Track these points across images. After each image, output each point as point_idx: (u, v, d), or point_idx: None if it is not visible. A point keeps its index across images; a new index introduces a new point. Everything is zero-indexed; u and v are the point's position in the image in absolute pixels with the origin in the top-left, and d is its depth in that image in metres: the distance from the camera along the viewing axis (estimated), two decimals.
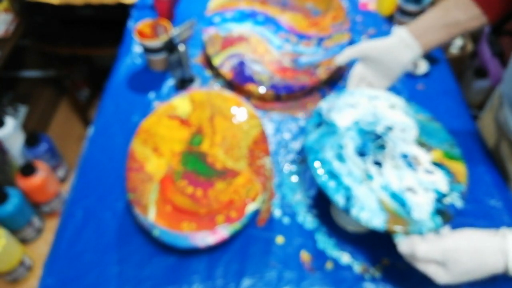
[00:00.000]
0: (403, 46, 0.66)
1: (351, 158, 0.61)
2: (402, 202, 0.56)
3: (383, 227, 0.53)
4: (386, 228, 0.53)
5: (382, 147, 0.63)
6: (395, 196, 0.57)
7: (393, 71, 0.68)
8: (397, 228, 0.53)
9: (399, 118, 0.67)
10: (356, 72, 0.71)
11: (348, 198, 0.56)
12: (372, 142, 0.64)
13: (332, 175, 0.58)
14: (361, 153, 0.62)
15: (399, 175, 0.60)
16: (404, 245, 0.52)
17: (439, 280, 0.50)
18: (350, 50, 0.69)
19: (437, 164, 0.61)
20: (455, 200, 0.57)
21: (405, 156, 0.62)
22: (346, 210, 0.55)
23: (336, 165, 0.59)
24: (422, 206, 0.55)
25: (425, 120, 0.67)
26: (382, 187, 0.58)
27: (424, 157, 0.62)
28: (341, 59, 0.70)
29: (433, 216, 0.54)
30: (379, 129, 0.65)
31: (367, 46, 0.68)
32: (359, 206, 0.55)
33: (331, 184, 0.57)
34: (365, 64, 0.70)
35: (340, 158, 0.60)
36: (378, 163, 0.61)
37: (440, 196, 0.57)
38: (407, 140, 0.64)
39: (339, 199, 0.56)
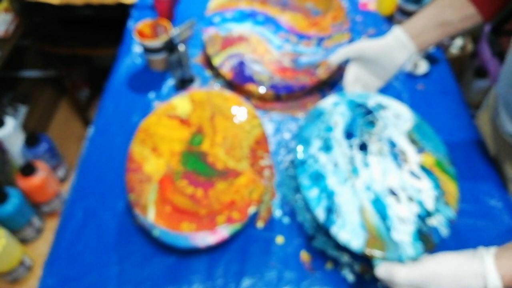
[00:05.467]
0: (399, 46, 0.65)
1: (339, 142, 0.60)
2: (383, 213, 0.55)
3: (361, 250, 0.53)
4: (364, 251, 0.53)
5: (371, 124, 0.62)
6: (377, 202, 0.56)
7: (387, 71, 0.68)
8: (376, 253, 0.52)
9: (396, 105, 0.65)
10: (351, 73, 0.70)
11: (330, 210, 0.55)
12: (362, 117, 0.62)
13: (317, 176, 0.57)
14: (349, 133, 0.61)
15: (384, 167, 0.59)
16: (382, 270, 0.51)
17: None
18: (345, 50, 0.69)
19: (426, 170, 0.59)
20: (440, 225, 0.55)
21: (392, 145, 0.61)
22: (326, 228, 0.54)
23: (323, 160, 0.58)
24: (403, 223, 0.54)
25: (425, 123, 0.65)
26: (366, 187, 0.57)
27: (413, 157, 0.60)
28: (335, 58, 0.70)
29: (415, 240, 0.53)
30: (371, 103, 0.64)
31: (362, 45, 0.68)
32: (340, 222, 0.54)
33: (314, 193, 0.56)
34: (359, 64, 0.69)
35: (327, 147, 0.60)
36: (364, 146, 0.60)
37: (424, 214, 0.55)
38: (399, 128, 0.62)
39: (319, 212, 0.55)
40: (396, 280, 0.49)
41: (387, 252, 0.52)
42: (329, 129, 0.61)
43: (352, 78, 0.70)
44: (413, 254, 0.52)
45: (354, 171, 0.58)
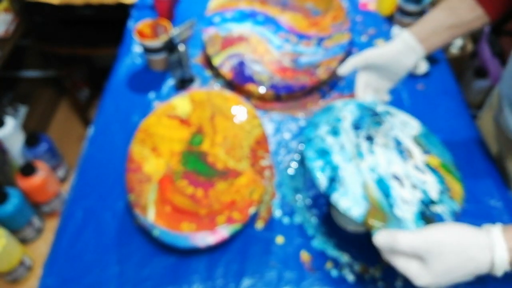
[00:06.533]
0: (407, 51, 0.65)
1: (346, 131, 0.60)
2: (386, 192, 0.54)
3: (361, 219, 0.50)
4: (364, 220, 0.50)
5: (378, 123, 0.63)
6: (381, 182, 0.55)
7: (397, 75, 0.68)
8: (377, 223, 0.50)
9: (403, 115, 0.66)
10: (361, 80, 0.70)
11: (333, 179, 0.53)
12: (370, 117, 0.63)
13: (323, 152, 0.57)
14: (357, 126, 0.62)
15: (388, 157, 0.58)
16: (382, 236, 0.47)
17: (420, 280, 0.46)
18: (353, 60, 0.69)
19: (431, 169, 0.59)
20: (444, 214, 0.53)
21: (398, 143, 0.61)
22: (327, 195, 0.52)
23: (330, 141, 0.58)
24: (406, 204, 0.53)
25: (432, 134, 0.66)
26: (370, 169, 0.56)
27: (419, 156, 0.60)
28: (344, 69, 0.69)
29: (418, 220, 0.51)
30: (379, 109, 0.65)
31: (370, 54, 0.67)
32: (343, 191, 0.52)
33: (318, 163, 0.55)
34: (368, 71, 0.69)
35: (335, 132, 0.60)
36: (370, 138, 0.60)
37: (428, 201, 0.54)
38: (405, 133, 0.63)
39: (321, 179, 0.53)
40: (398, 246, 0.46)
41: (389, 225, 0.50)
42: (338, 120, 0.62)
43: (363, 85, 0.70)
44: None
45: (360, 155, 0.58)
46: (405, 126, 0.65)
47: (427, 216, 0.52)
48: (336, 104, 0.66)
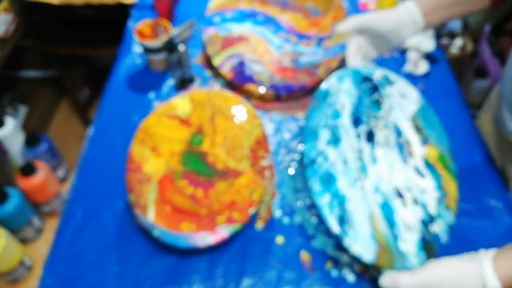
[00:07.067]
0: (409, 22, 0.64)
1: (347, 131, 0.60)
2: (390, 219, 0.56)
3: (372, 263, 0.54)
4: (375, 263, 0.54)
5: (378, 105, 0.63)
6: (385, 208, 0.57)
7: (389, 44, 0.68)
8: (384, 265, 0.54)
9: (401, 82, 0.65)
10: (353, 44, 0.69)
11: (342, 219, 0.56)
12: (368, 97, 0.63)
13: (328, 179, 0.57)
14: (357, 118, 0.61)
15: (390, 163, 0.60)
16: (386, 279, 0.54)
17: None
18: (354, 20, 0.67)
19: (430, 166, 0.61)
20: (441, 232, 0.57)
21: (398, 133, 0.61)
22: (340, 239, 0.55)
23: (332, 156, 0.58)
24: (409, 231, 0.56)
25: (430, 108, 0.65)
26: (374, 189, 0.58)
27: (418, 149, 0.61)
28: (343, 27, 0.68)
29: (419, 250, 0.55)
30: (377, 76, 0.64)
31: (373, 18, 0.66)
32: (353, 234, 0.55)
33: (325, 199, 0.56)
34: (361, 36, 0.68)
35: (335, 140, 0.60)
36: (371, 134, 0.61)
37: (428, 220, 0.57)
38: (404, 110, 0.63)
39: (333, 223, 0.55)
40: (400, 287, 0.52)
41: (395, 264, 0.54)
42: (336, 115, 0.61)
43: (355, 49, 0.68)
44: (417, 264, 0.54)
45: (363, 169, 0.59)
46: (405, 98, 0.64)
47: (427, 241, 0.56)
48: (331, 84, 0.64)
